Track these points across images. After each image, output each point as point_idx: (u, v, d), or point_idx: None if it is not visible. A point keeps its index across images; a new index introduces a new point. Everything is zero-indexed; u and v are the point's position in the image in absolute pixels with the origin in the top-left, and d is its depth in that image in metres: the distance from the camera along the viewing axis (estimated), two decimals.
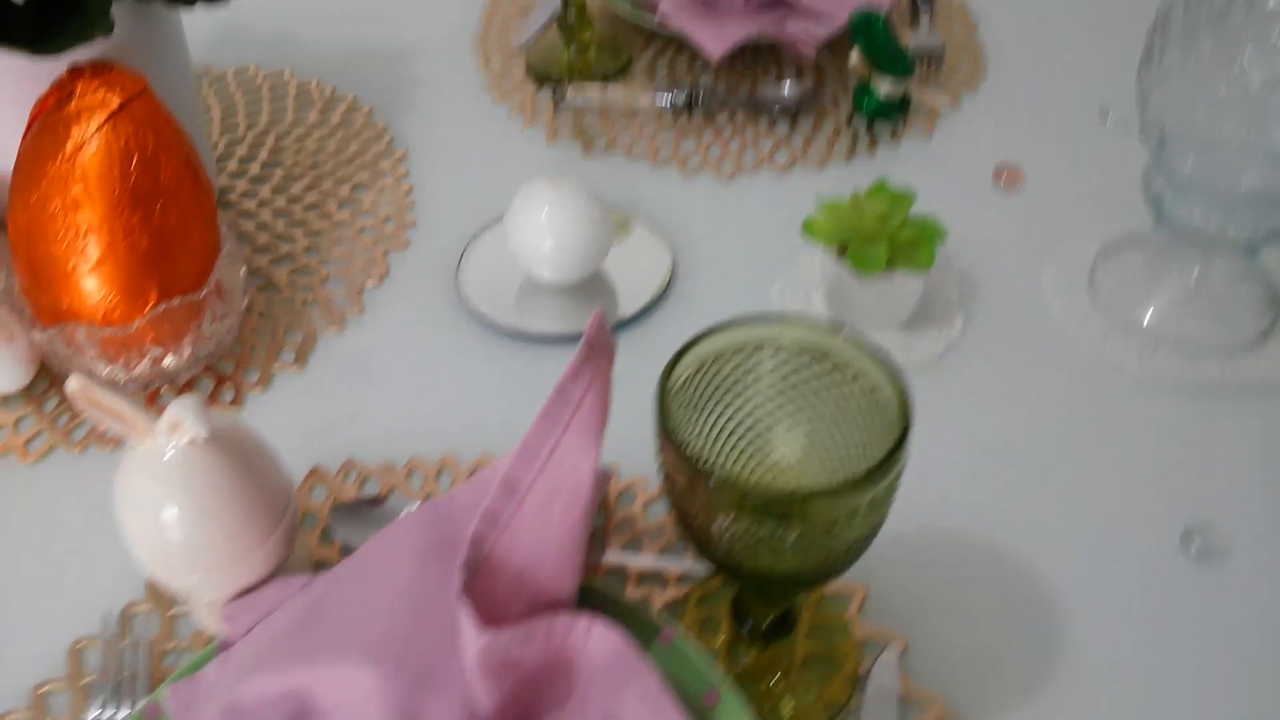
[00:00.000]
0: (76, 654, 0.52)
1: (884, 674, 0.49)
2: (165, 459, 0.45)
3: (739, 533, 0.38)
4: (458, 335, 0.68)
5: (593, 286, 0.69)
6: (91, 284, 0.58)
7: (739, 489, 0.39)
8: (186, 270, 0.60)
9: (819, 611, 0.52)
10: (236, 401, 0.64)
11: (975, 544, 0.55)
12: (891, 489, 0.38)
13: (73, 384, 0.43)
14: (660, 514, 0.57)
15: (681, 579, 0.54)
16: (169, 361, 0.62)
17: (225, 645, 0.47)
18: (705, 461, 0.42)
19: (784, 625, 0.48)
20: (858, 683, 0.49)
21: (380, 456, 0.61)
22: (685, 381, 0.41)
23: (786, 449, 0.45)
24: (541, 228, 0.66)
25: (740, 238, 0.73)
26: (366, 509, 0.56)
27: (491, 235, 0.72)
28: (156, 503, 0.46)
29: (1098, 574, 0.54)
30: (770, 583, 0.42)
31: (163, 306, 0.59)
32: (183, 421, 0.44)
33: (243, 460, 0.47)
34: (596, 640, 0.42)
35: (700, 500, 0.38)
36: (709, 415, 0.43)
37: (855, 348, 0.41)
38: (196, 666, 0.47)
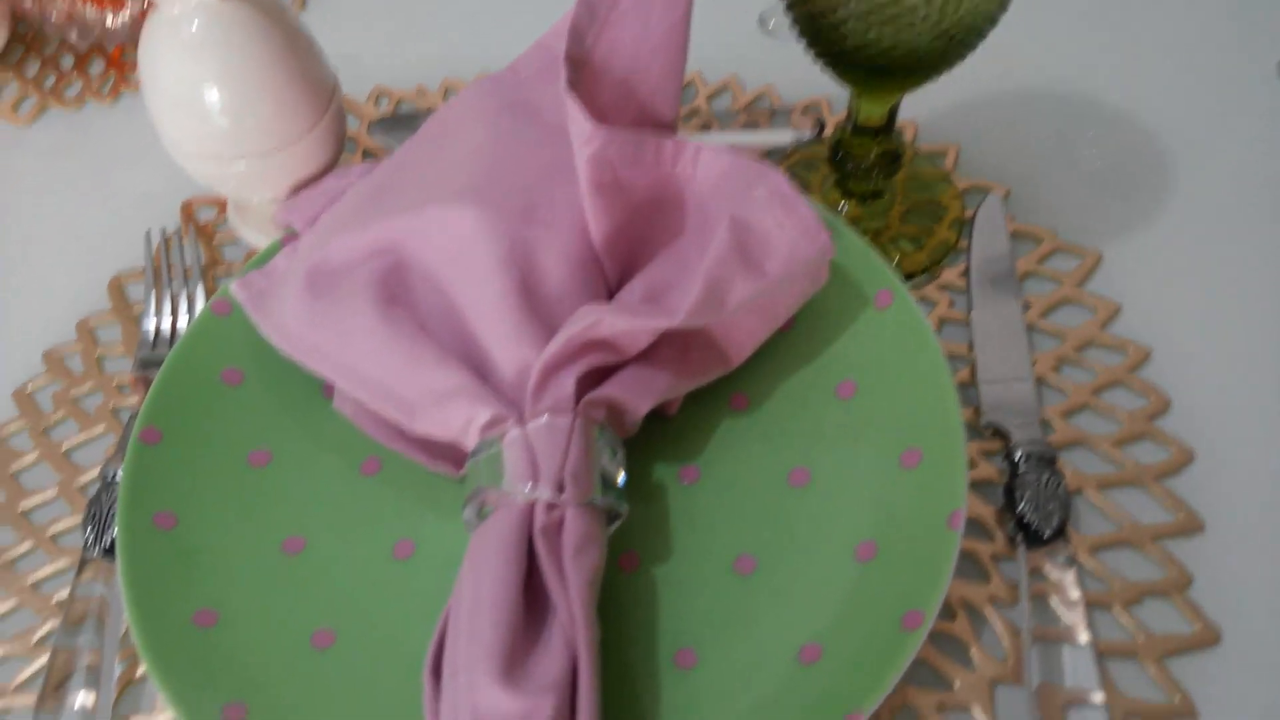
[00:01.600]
0: (118, 287, 0.48)
1: (990, 215, 0.46)
2: (195, 22, 0.40)
3: None
4: None
5: None
6: None
7: None
8: None
9: (914, 168, 0.49)
10: None
11: (1067, 99, 0.52)
12: None
13: None
14: (727, 103, 0.53)
15: (767, 155, 0.50)
16: None
17: (289, 240, 0.43)
18: None
19: (888, 166, 0.45)
20: (964, 226, 0.47)
21: (409, 84, 0.56)
22: None
23: None
24: None
25: None
26: (409, 120, 0.52)
27: None
28: (192, 77, 0.41)
29: (1198, 109, 0.51)
30: (889, 69, 0.38)
31: None
32: None
33: (281, 24, 0.42)
34: (706, 164, 0.39)
35: None
36: None
37: None
38: (263, 261, 0.43)
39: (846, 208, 0.46)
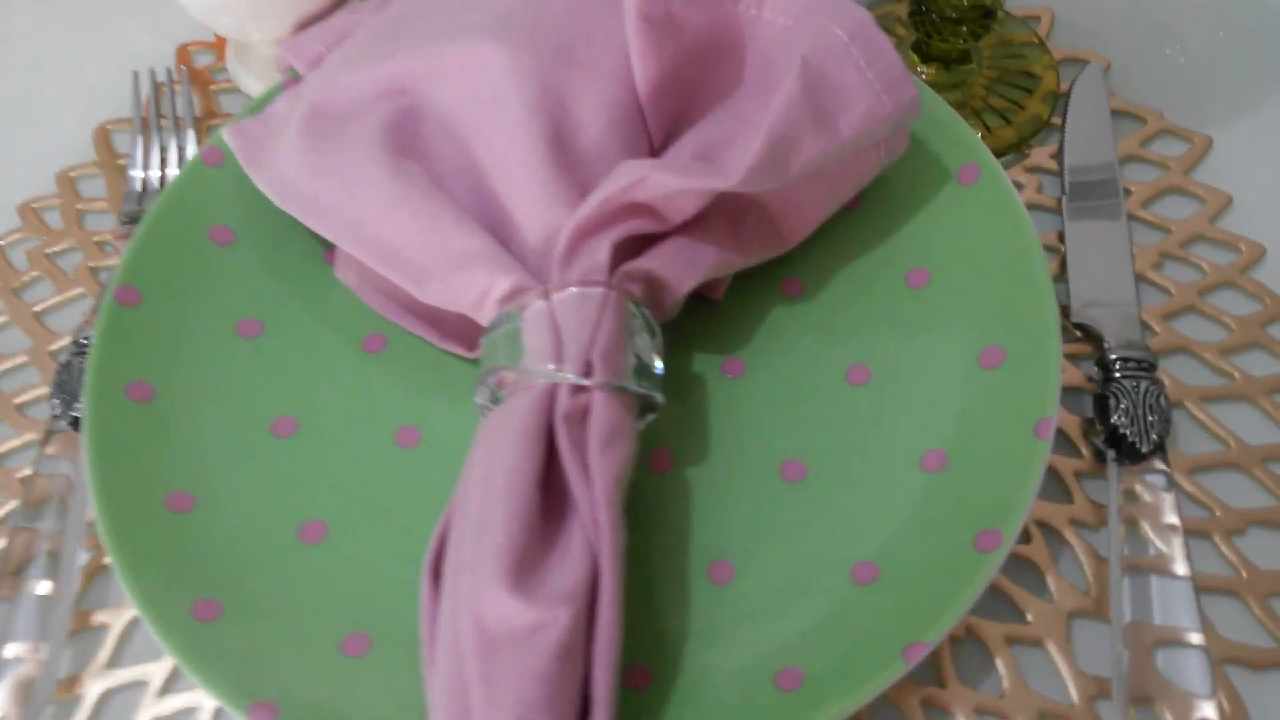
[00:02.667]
0: (105, 136, 0.43)
1: (1089, 90, 0.40)
2: None
3: None
4: None
5: None
6: None
7: None
8: None
9: (1004, 31, 0.43)
10: None
11: None
12: None
13: None
14: None
15: None
16: None
17: (291, 84, 0.38)
18: None
19: (978, 22, 0.39)
20: (1059, 100, 0.41)
21: None
22: None
23: None
24: None
25: None
26: None
27: None
28: None
29: None
30: None
31: None
32: None
33: None
34: (776, 1, 0.33)
35: None
36: None
37: None
38: (260, 106, 0.38)
39: (925, 73, 0.41)
